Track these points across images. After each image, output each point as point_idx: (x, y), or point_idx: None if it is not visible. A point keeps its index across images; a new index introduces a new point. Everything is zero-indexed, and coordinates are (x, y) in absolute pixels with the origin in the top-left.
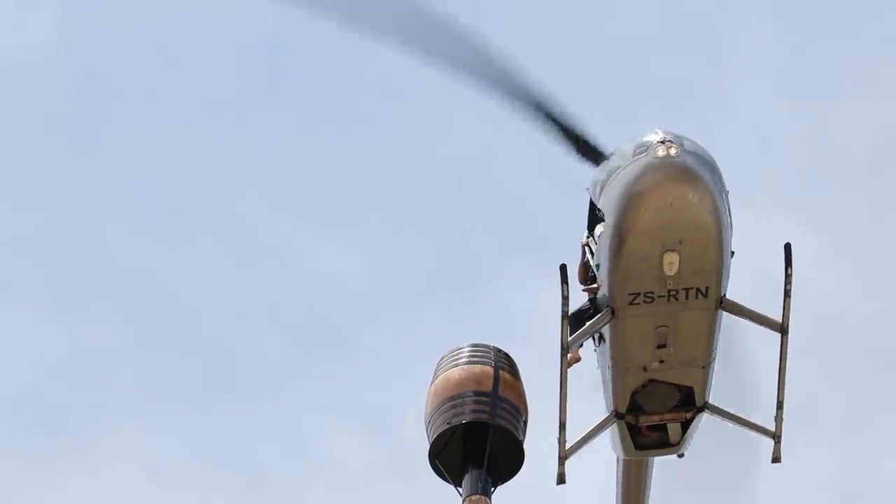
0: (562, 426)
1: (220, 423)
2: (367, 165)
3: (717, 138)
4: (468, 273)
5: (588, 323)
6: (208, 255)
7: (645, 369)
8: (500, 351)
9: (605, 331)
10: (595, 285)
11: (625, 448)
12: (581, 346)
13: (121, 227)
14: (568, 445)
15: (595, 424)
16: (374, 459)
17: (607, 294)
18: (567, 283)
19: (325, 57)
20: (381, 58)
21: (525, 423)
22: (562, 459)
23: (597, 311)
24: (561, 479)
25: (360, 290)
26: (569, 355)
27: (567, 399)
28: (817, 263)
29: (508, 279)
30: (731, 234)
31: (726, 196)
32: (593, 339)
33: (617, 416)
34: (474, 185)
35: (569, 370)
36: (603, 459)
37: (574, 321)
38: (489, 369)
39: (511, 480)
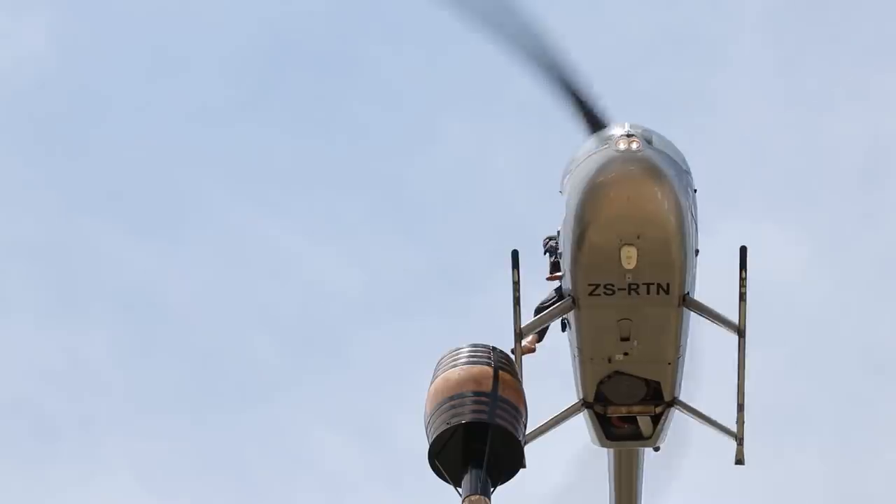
0: None
1: (212, 430)
2: (358, 173)
3: (709, 146)
4: (460, 279)
5: (547, 310)
6: (202, 264)
7: (610, 360)
8: (499, 351)
9: (571, 319)
10: (559, 273)
11: (597, 437)
12: (541, 338)
13: (114, 235)
14: (530, 430)
15: (561, 411)
16: (367, 466)
17: (569, 284)
18: (518, 269)
19: (316, 65)
20: (374, 65)
21: (525, 423)
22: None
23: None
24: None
25: (353, 298)
26: (525, 343)
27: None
28: (808, 270)
29: (500, 285)
30: (696, 232)
31: (693, 194)
32: (562, 324)
33: (584, 405)
34: (465, 191)
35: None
36: (603, 458)
37: (539, 311)
38: (488, 369)
39: (511, 480)
